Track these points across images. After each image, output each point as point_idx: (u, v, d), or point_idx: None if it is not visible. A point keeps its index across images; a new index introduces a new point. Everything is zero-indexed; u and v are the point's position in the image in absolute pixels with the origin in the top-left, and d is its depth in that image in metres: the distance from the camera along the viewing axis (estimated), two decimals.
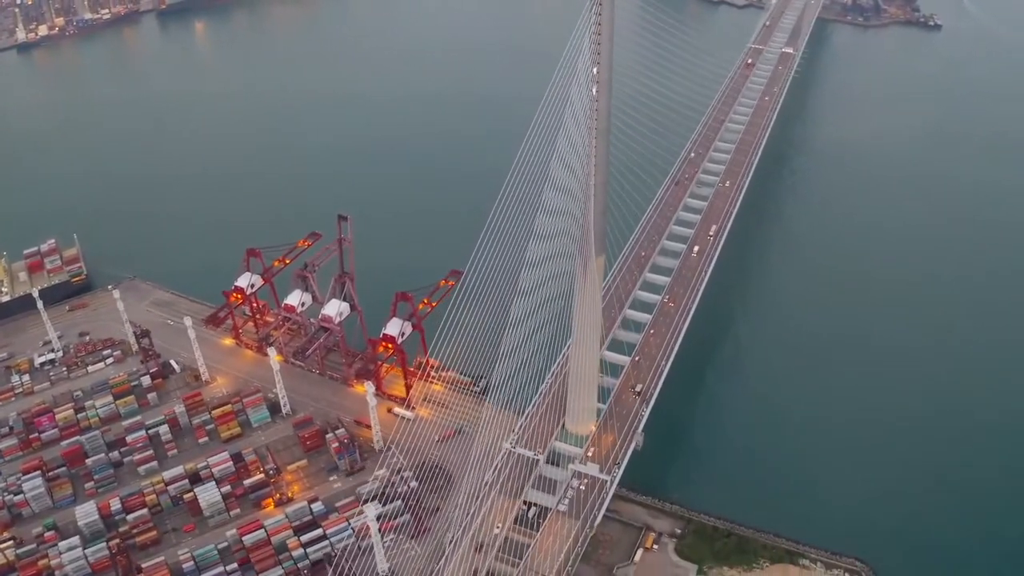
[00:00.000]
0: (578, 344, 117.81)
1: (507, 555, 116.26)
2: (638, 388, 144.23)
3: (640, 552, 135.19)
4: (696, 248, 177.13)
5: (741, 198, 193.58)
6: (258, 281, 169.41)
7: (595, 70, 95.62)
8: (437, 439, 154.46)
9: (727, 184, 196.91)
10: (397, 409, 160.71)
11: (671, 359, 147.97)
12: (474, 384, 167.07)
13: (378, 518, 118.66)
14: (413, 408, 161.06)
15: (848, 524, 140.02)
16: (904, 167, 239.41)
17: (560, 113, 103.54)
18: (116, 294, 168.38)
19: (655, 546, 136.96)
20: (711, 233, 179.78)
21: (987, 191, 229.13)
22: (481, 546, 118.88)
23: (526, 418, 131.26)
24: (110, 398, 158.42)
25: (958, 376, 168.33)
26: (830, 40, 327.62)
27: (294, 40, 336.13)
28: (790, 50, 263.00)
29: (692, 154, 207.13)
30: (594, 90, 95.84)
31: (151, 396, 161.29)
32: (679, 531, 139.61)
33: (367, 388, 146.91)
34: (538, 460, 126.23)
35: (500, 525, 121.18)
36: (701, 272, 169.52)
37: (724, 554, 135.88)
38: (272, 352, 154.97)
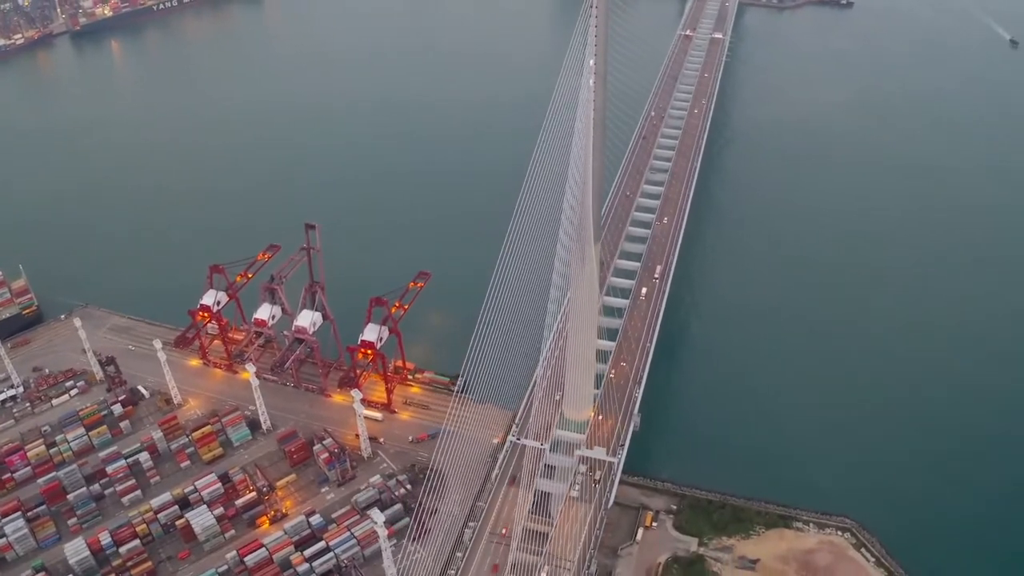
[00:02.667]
0: (575, 331, 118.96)
1: (528, 545, 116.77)
2: (597, 476, 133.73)
3: (641, 531, 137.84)
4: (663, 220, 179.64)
5: (694, 185, 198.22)
6: (223, 298, 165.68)
7: (592, 62, 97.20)
8: (411, 439, 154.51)
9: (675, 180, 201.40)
10: (366, 412, 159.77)
11: (654, 341, 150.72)
12: (452, 383, 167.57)
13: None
14: (395, 411, 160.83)
15: (834, 486, 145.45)
16: (830, 141, 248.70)
17: (538, 109, 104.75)
18: (77, 322, 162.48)
19: (654, 524, 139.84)
20: (663, 250, 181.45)
21: (910, 158, 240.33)
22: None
23: (524, 409, 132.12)
24: (82, 430, 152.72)
25: (923, 343, 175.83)
26: (748, 24, 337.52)
27: (216, 53, 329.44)
28: (719, 35, 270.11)
29: (639, 146, 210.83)
30: (591, 81, 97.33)
31: (124, 424, 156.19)
32: (675, 507, 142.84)
33: (354, 396, 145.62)
34: (544, 449, 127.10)
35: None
36: (668, 261, 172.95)
37: (722, 525, 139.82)
38: (251, 368, 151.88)
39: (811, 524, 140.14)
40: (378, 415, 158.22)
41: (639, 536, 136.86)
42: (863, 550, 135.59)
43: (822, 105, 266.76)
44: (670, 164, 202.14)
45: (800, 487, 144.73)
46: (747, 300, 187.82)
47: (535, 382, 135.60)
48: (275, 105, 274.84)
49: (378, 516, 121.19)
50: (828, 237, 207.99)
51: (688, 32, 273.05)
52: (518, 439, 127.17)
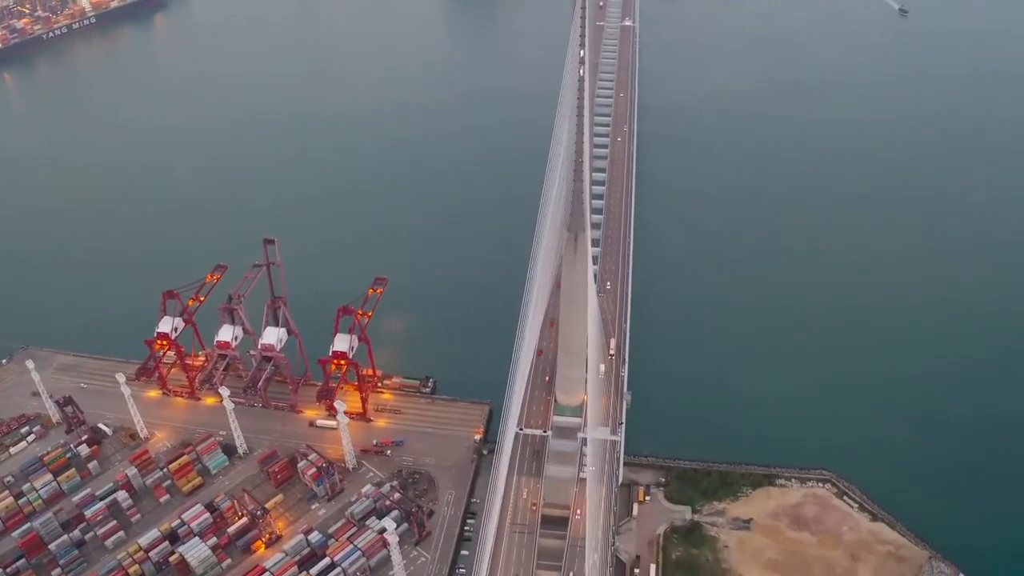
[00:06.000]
0: (567, 318, 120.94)
1: (550, 529, 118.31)
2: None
3: (636, 506, 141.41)
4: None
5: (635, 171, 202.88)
6: (180, 324, 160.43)
7: (582, 53, 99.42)
8: (374, 443, 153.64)
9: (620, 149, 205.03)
10: (320, 421, 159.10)
11: (628, 321, 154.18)
12: (423, 385, 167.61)
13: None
14: (371, 419, 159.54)
15: (809, 443, 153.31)
16: (746, 119, 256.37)
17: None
18: (30, 364, 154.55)
19: (647, 498, 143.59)
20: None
21: (819, 127, 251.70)
22: None
23: (520, 401, 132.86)
24: (49, 476, 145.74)
25: (875, 306, 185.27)
26: (644, 10, 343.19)
27: (114, 76, 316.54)
28: (629, 23, 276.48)
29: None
30: (583, 71, 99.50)
31: (92, 465, 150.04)
32: (663, 480, 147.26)
33: (337, 408, 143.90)
34: (548, 436, 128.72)
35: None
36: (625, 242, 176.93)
37: (711, 491, 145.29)
38: (224, 392, 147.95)
39: (793, 480, 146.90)
40: (332, 424, 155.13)
41: (635, 511, 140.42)
42: (845, 498, 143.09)
43: (732, 85, 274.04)
44: (607, 150, 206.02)
45: (778, 447, 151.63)
46: (710, 281, 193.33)
47: (526, 374, 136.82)
48: (186, 124, 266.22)
49: (389, 524, 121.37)
50: (780, 215, 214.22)
51: (599, 22, 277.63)
52: (521, 429, 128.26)
